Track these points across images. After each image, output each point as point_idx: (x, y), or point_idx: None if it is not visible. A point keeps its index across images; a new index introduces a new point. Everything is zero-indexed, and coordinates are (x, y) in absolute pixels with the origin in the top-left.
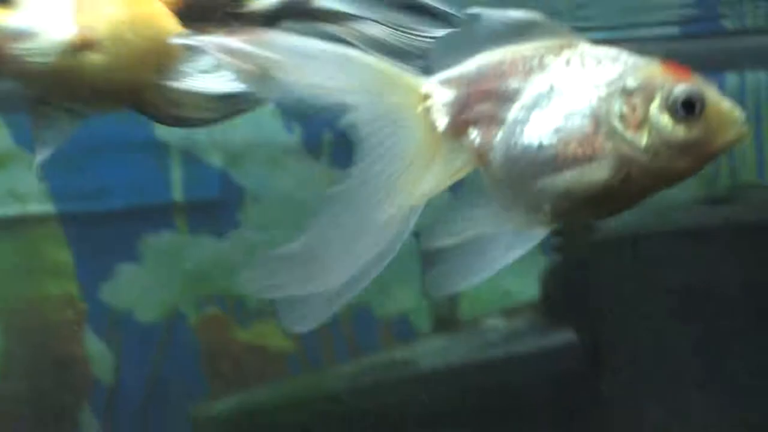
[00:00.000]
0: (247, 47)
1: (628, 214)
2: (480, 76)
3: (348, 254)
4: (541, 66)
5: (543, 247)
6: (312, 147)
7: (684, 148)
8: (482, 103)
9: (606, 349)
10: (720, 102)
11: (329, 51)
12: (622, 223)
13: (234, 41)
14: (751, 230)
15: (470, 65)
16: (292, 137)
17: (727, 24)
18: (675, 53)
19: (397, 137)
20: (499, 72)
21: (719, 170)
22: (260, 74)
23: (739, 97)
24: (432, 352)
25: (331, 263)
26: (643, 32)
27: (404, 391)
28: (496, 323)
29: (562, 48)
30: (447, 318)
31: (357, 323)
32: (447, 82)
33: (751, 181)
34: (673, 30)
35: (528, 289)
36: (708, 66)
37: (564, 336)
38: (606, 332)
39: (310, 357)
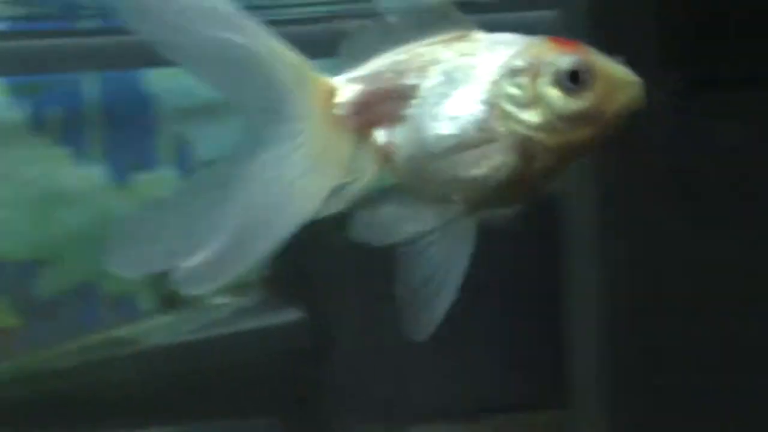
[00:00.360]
0: None
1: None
2: (381, 74)
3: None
4: (436, 59)
5: None
6: (39, 124)
7: (579, 119)
8: (383, 102)
9: (335, 326)
10: (609, 68)
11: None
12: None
13: None
14: None
15: (373, 64)
16: (18, 113)
17: None
18: None
19: (297, 136)
20: (397, 70)
21: None
22: None
23: None
24: (156, 330)
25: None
26: None
27: (128, 369)
28: (222, 301)
29: (457, 39)
30: (172, 296)
31: (82, 301)
32: (352, 81)
33: None
34: None
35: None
36: None
37: (292, 313)
38: (335, 310)
39: (34, 335)
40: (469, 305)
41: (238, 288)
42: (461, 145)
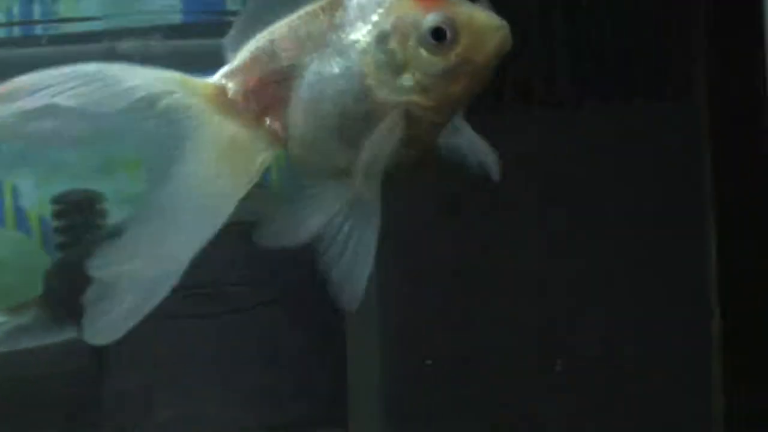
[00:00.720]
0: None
1: None
2: (256, 61)
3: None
4: (309, 34)
5: (47, 245)
6: None
7: (452, 73)
8: (266, 87)
9: (111, 346)
10: (473, 18)
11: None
12: None
13: None
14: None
15: (245, 52)
16: None
17: None
18: None
19: (194, 142)
20: (272, 52)
21: None
22: None
23: None
24: None
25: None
26: None
27: None
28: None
29: (327, 7)
30: None
31: None
32: (230, 75)
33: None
34: None
35: (31, 286)
36: None
37: (68, 333)
38: None
39: None
40: (246, 324)
41: (15, 308)
42: (346, 119)
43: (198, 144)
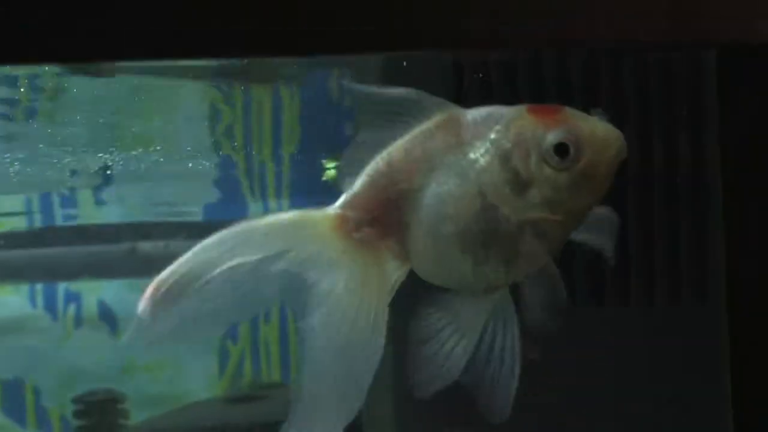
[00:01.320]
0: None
1: None
2: (374, 185)
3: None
4: (426, 156)
5: None
6: None
7: (576, 187)
8: (385, 211)
9: None
10: (592, 131)
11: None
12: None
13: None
14: (273, 428)
15: (363, 177)
16: None
17: None
18: None
19: (333, 272)
20: (389, 175)
21: (242, 370)
22: None
23: None
24: None
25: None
26: None
27: None
28: None
29: (440, 125)
30: None
31: None
32: (349, 202)
33: (274, 381)
34: None
35: None
36: None
37: None
38: None
39: None
40: None
41: None
42: (468, 238)
43: (336, 278)
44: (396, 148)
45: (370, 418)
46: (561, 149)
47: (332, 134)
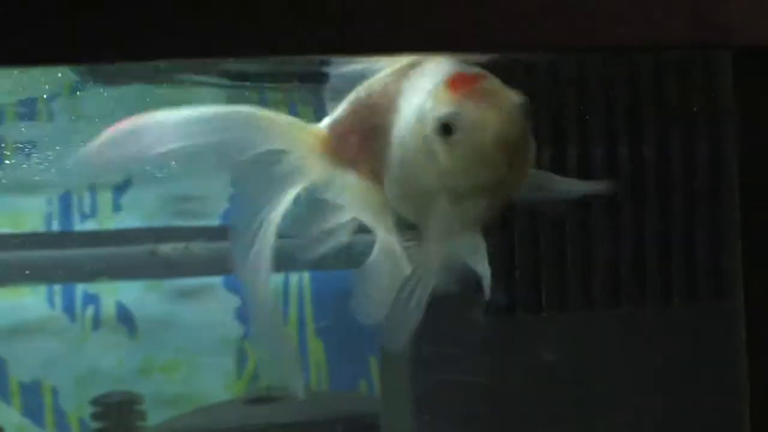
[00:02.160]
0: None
1: None
2: (355, 114)
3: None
4: (399, 91)
5: None
6: None
7: (462, 163)
8: (363, 139)
9: None
10: (477, 111)
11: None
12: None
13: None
14: (292, 429)
15: (345, 104)
16: None
17: None
18: None
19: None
20: (369, 107)
21: (260, 371)
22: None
23: (284, 301)
24: None
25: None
26: None
27: None
28: None
29: (412, 66)
30: None
31: None
32: (332, 125)
33: None
34: None
35: None
36: None
37: None
38: None
39: None
40: None
41: None
42: (410, 181)
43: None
44: (377, 81)
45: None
46: (445, 129)
47: None
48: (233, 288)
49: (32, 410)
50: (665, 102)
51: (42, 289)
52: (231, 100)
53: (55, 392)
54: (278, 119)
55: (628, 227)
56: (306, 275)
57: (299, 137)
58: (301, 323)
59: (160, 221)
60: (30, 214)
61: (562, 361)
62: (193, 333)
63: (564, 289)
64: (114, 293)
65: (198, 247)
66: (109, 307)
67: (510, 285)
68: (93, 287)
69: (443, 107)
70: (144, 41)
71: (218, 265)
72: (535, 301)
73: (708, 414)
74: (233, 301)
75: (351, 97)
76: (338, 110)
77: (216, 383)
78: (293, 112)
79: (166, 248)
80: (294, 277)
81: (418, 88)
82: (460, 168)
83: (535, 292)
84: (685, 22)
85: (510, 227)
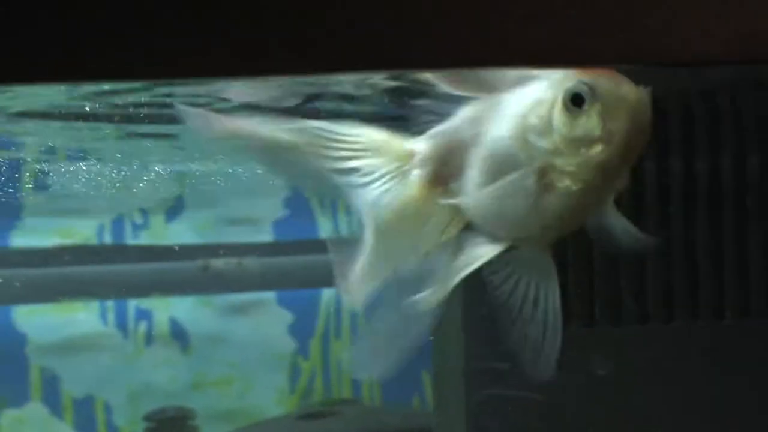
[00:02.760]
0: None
1: None
2: (447, 130)
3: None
4: (498, 105)
5: None
6: None
7: (586, 141)
8: (456, 152)
9: None
10: (613, 87)
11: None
12: None
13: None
14: None
15: (453, 119)
16: None
17: None
18: None
19: (392, 197)
20: (468, 120)
21: (313, 386)
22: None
23: (336, 316)
24: None
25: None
26: None
27: None
28: None
29: (515, 84)
30: None
31: None
32: (430, 137)
33: (345, 398)
34: None
35: None
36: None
37: None
38: None
39: None
40: None
41: None
42: (496, 180)
43: (391, 199)
44: (479, 102)
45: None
46: (577, 99)
47: None
48: (286, 303)
49: (85, 426)
50: (717, 116)
51: (95, 305)
52: None
53: (107, 408)
54: (375, 135)
55: (680, 241)
56: None
57: (394, 153)
58: (353, 338)
59: (212, 237)
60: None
61: (615, 376)
62: (246, 348)
63: (617, 303)
64: (166, 309)
65: (251, 262)
66: (161, 322)
67: (564, 299)
68: (145, 303)
69: (572, 81)
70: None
71: (271, 281)
72: (588, 314)
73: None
74: (286, 317)
75: (453, 115)
76: (432, 130)
77: (269, 398)
78: None
79: (218, 263)
80: None
81: (523, 95)
82: (583, 140)
83: (588, 306)
84: (735, 35)
85: (563, 242)
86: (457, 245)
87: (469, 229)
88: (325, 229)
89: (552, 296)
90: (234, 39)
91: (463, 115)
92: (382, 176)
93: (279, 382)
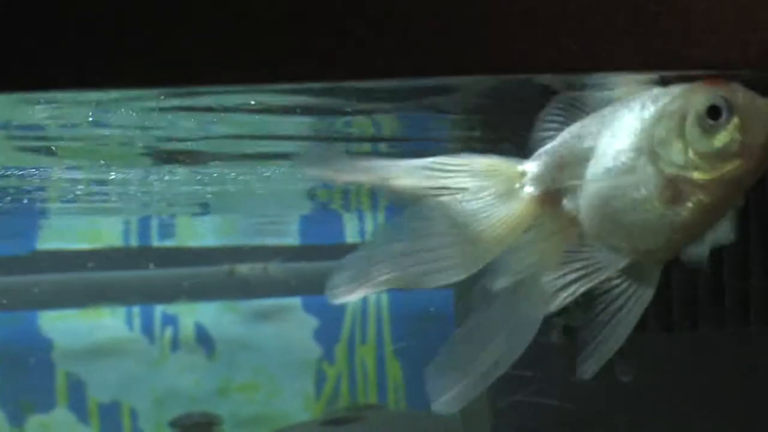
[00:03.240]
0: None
1: None
2: (564, 144)
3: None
4: (613, 118)
5: None
6: None
7: (721, 154)
8: (565, 168)
9: None
10: (748, 102)
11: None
12: None
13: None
14: None
15: (560, 136)
16: None
17: None
18: None
19: (505, 220)
20: (578, 135)
21: (339, 392)
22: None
23: (362, 322)
24: None
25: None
26: None
27: None
28: None
29: (630, 97)
30: None
31: None
32: (539, 157)
33: (370, 403)
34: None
35: None
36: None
37: None
38: None
39: None
40: None
41: None
42: (620, 193)
43: (505, 221)
44: (594, 114)
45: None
46: (714, 111)
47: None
48: (312, 309)
49: (110, 431)
50: None
51: (121, 311)
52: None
53: (133, 413)
54: (485, 160)
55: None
56: (384, 295)
57: (504, 175)
58: (379, 343)
59: (237, 241)
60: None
61: (640, 383)
62: (272, 354)
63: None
64: (192, 314)
65: (276, 267)
66: (187, 328)
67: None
68: (171, 308)
69: (707, 93)
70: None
71: (296, 285)
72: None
73: None
74: (312, 322)
75: (566, 131)
76: (548, 144)
77: (295, 404)
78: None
79: (243, 268)
80: (371, 297)
81: (648, 103)
82: (720, 154)
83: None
84: (759, 42)
85: None
86: (578, 261)
87: (588, 245)
88: (350, 228)
89: (640, 307)
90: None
91: (572, 131)
92: (494, 198)
93: (305, 388)
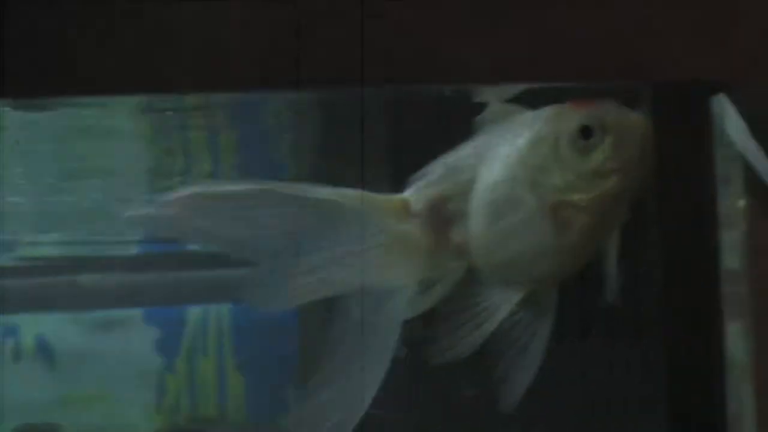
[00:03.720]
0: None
1: None
2: (442, 177)
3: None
4: (491, 146)
5: None
6: None
7: (601, 173)
8: (448, 201)
9: None
10: (621, 115)
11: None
12: None
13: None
14: None
15: (436, 168)
16: None
17: None
18: None
19: (388, 254)
20: (455, 167)
21: (180, 404)
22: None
23: (203, 333)
24: None
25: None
26: None
27: None
28: None
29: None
30: None
31: None
32: (416, 190)
33: (211, 415)
34: None
35: None
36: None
37: None
38: None
39: None
40: None
41: None
42: (504, 222)
43: (379, 252)
44: (467, 145)
45: None
46: (586, 131)
47: None
48: (152, 320)
49: None
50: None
51: None
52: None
53: None
54: (355, 194)
55: None
56: (225, 307)
57: (383, 210)
58: (220, 355)
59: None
60: None
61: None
62: (114, 365)
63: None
64: (34, 325)
65: (116, 278)
66: (28, 339)
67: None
68: (12, 319)
69: (577, 114)
70: None
71: (138, 297)
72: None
73: None
74: (153, 333)
75: (439, 163)
76: (424, 178)
77: (137, 415)
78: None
79: (85, 279)
80: (212, 309)
81: (521, 129)
82: (597, 173)
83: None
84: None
85: None
86: (469, 300)
87: (476, 281)
88: None
89: (543, 335)
90: None
91: (448, 162)
92: (376, 237)
93: (147, 399)
